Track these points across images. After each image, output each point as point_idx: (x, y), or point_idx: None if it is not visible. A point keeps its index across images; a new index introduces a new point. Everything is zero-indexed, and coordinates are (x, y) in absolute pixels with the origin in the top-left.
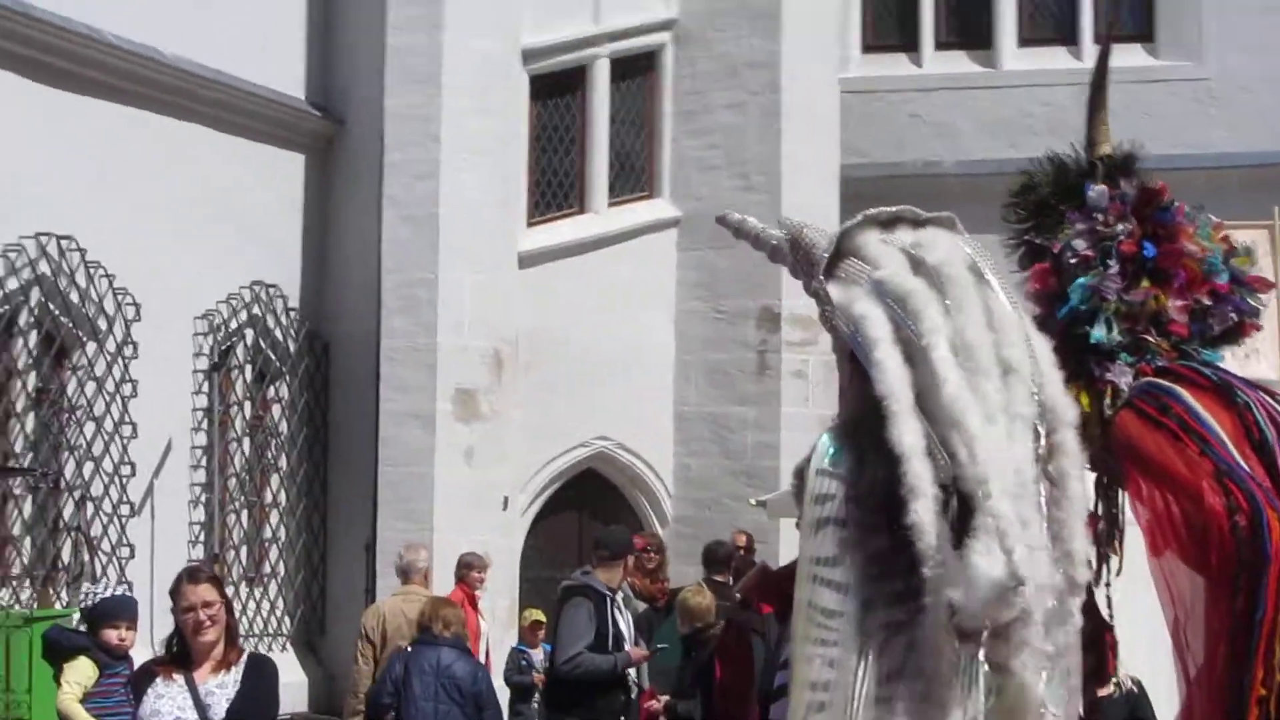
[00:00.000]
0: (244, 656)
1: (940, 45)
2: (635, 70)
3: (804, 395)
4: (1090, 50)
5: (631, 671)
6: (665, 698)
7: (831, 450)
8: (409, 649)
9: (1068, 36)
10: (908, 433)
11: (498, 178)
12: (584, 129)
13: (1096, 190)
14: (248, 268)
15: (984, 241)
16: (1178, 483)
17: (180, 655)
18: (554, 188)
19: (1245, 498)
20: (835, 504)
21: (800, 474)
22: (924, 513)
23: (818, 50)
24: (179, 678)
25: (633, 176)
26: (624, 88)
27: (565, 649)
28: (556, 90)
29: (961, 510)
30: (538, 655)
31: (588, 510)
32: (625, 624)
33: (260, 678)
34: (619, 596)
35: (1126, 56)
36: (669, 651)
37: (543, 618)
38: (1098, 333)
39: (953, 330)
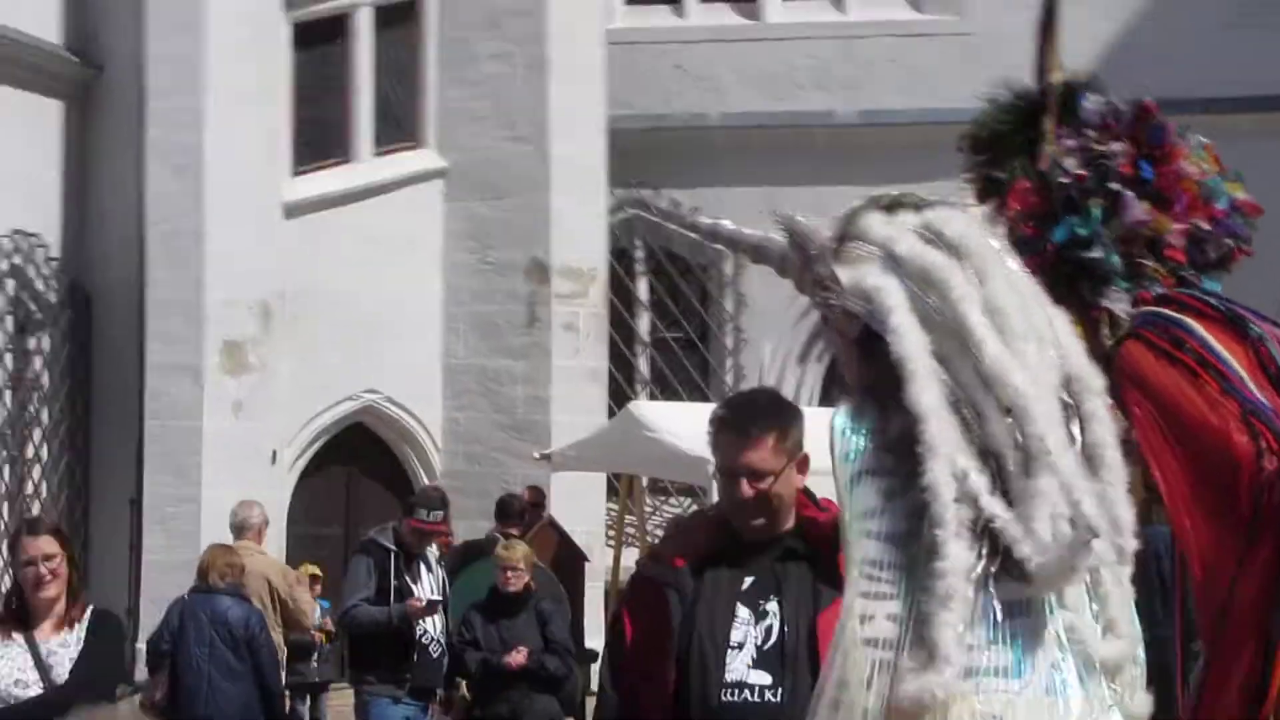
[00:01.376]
0: (88, 612)
1: None
2: (398, 19)
3: (574, 348)
4: (855, 3)
5: (431, 628)
6: (525, 650)
7: (850, 410)
8: (185, 597)
9: None
10: (925, 391)
11: (262, 127)
12: (347, 77)
13: (1093, 103)
14: (7, 217)
15: (752, 194)
16: (1200, 423)
17: (19, 612)
18: (318, 137)
19: (1275, 439)
20: (866, 456)
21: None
22: (940, 472)
23: (582, 1)
24: (18, 637)
25: (397, 126)
26: (387, 36)
27: (342, 603)
28: (319, 38)
29: (1002, 473)
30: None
31: (356, 465)
32: (430, 581)
33: (105, 635)
34: (431, 553)
35: (889, 10)
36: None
37: (318, 571)
38: (1097, 253)
39: (983, 297)
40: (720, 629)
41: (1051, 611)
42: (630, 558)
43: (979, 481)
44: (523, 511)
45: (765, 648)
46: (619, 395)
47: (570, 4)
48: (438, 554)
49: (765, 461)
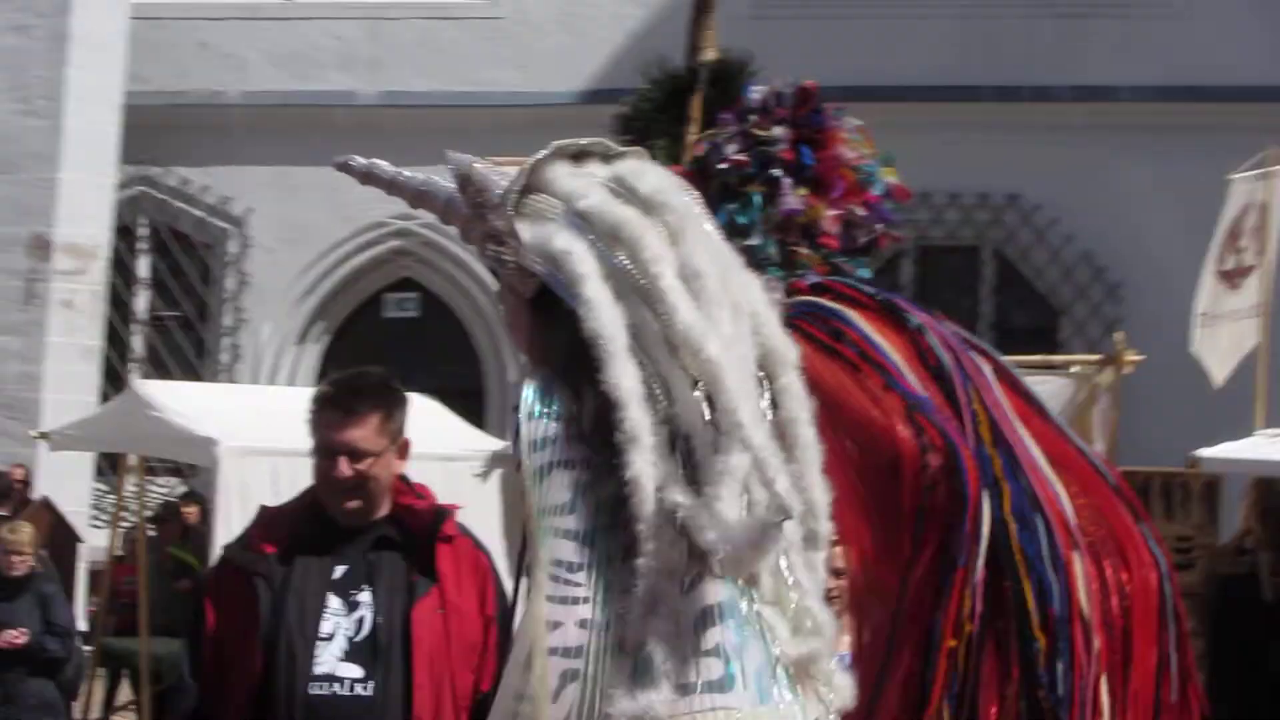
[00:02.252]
0: None
1: None
2: None
3: (71, 326)
4: None
5: None
6: (25, 631)
7: (539, 391)
8: None
9: None
10: (625, 375)
11: None
12: None
13: (758, 90)
14: None
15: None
16: (863, 418)
17: None
18: None
19: (939, 435)
20: (557, 446)
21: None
22: (642, 465)
23: None
24: None
25: None
26: None
27: None
28: None
29: (688, 453)
30: None
31: None
32: None
33: None
34: None
35: None
36: None
37: None
38: (755, 241)
39: (678, 258)
40: (310, 620)
41: (754, 608)
42: (114, 539)
43: (665, 469)
44: (10, 490)
45: (357, 639)
46: (113, 375)
47: None
48: None
49: (367, 440)
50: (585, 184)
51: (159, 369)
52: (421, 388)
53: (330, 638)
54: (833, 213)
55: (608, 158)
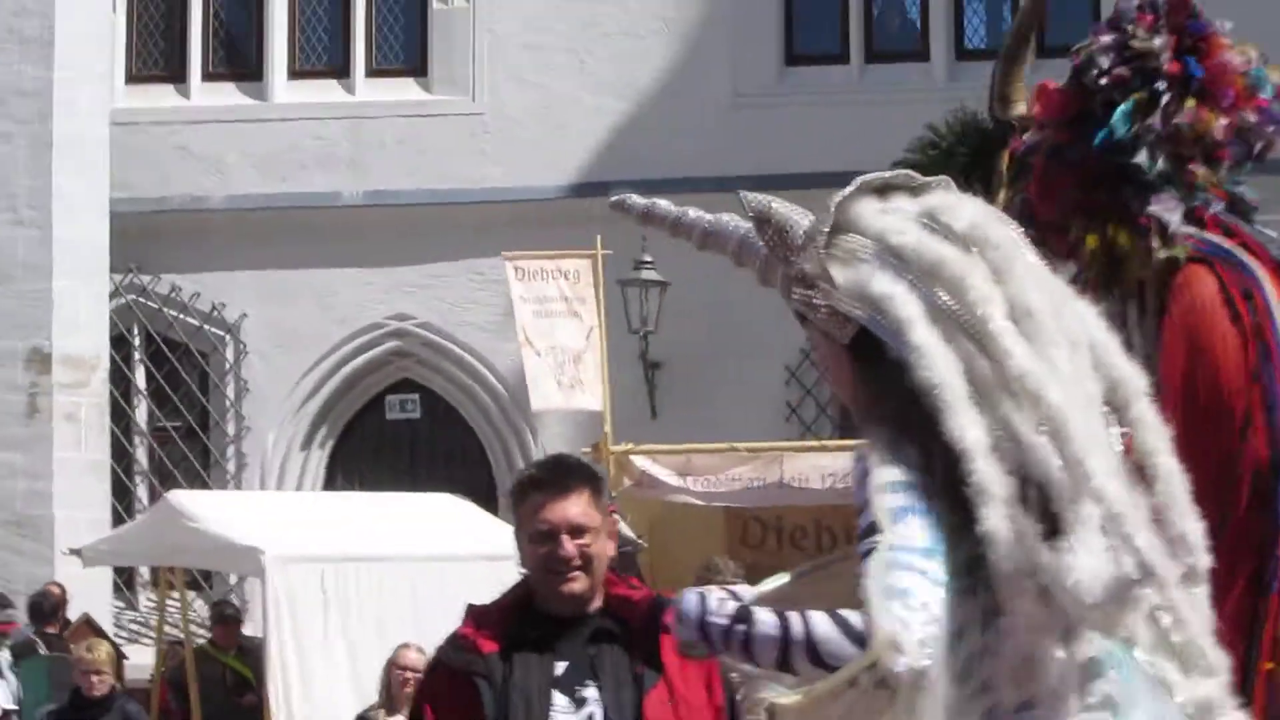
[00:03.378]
0: None
1: (208, 76)
2: None
3: (77, 439)
4: (363, 84)
5: None
6: None
7: (886, 441)
8: None
9: (339, 69)
10: (969, 426)
11: None
12: None
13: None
14: None
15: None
16: (1223, 404)
17: None
18: None
19: (1268, 448)
20: (913, 495)
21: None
22: (997, 519)
23: (89, 79)
24: None
25: None
26: None
27: None
28: None
29: (1042, 502)
30: None
31: None
32: (3, 689)
33: None
34: (2, 658)
35: (398, 91)
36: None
37: None
38: (1143, 160)
39: (1005, 297)
40: (538, 719)
41: (1139, 658)
42: (142, 655)
43: (1024, 524)
44: (55, 609)
45: None
46: (118, 487)
47: (76, 84)
48: (10, 659)
49: (587, 516)
50: (897, 221)
51: (165, 480)
52: (434, 489)
53: None
54: (1224, 121)
55: (914, 190)
